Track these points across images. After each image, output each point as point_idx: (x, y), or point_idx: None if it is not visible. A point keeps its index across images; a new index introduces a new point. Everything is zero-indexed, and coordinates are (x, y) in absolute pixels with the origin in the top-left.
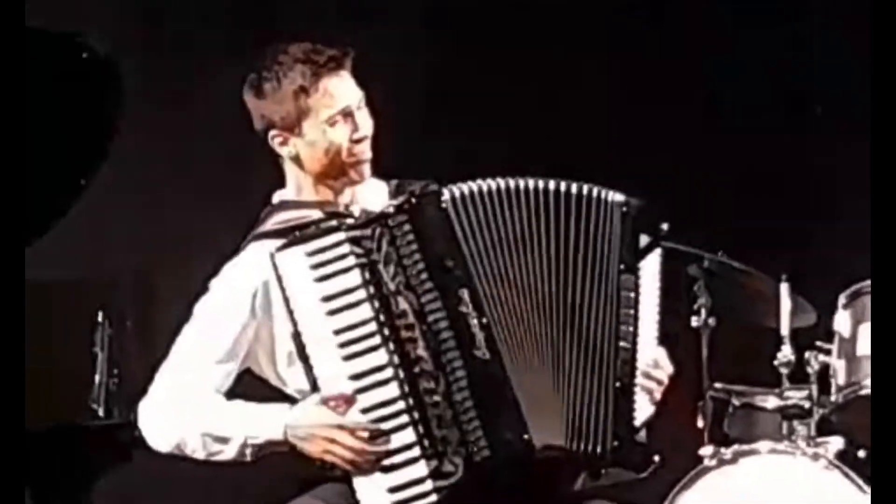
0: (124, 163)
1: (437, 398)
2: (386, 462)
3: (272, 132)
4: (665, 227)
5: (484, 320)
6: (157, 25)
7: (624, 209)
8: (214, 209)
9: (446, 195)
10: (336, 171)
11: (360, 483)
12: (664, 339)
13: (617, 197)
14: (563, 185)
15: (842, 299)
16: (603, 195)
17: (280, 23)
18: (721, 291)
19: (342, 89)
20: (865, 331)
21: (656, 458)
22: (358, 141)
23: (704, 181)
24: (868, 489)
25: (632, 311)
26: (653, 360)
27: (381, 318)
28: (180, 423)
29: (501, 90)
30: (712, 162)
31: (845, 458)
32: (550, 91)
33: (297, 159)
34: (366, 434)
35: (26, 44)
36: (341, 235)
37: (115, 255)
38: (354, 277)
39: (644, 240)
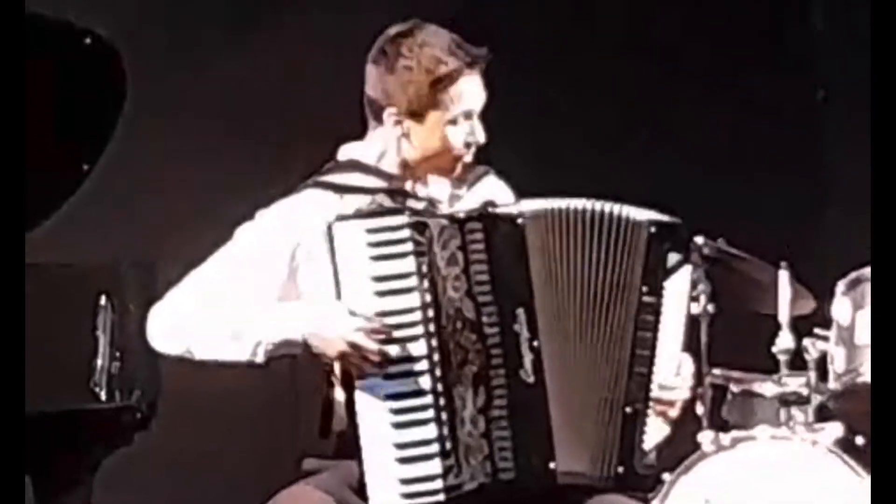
0: (128, 147)
1: (472, 408)
2: (402, 454)
3: (391, 110)
4: (700, 240)
5: (535, 343)
6: (159, 6)
7: (652, 230)
8: (219, 194)
9: (522, 211)
10: (435, 164)
11: (370, 469)
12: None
13: (643, 216)
14: (590, 205)
15: (840, 287)
16: (628, 215)
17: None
18: (720, 278)
19: (474, 91)
20: (864, 318)
21: (665, 475)
22: (469, 144)
23: (705, 168)
24: (866, 475)
25: (649, 335)
26: (671, 379)
27: (429, 311)
28: (194, 322)
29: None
30: (712, 148)
31: (843, 444)
32: (561, 73)
33: (405, 137)
34: (382, 336)
35: (29, 30)
36: (404, 219)
37: (118, 240)
38: (409, 264)
39: (674, 257)
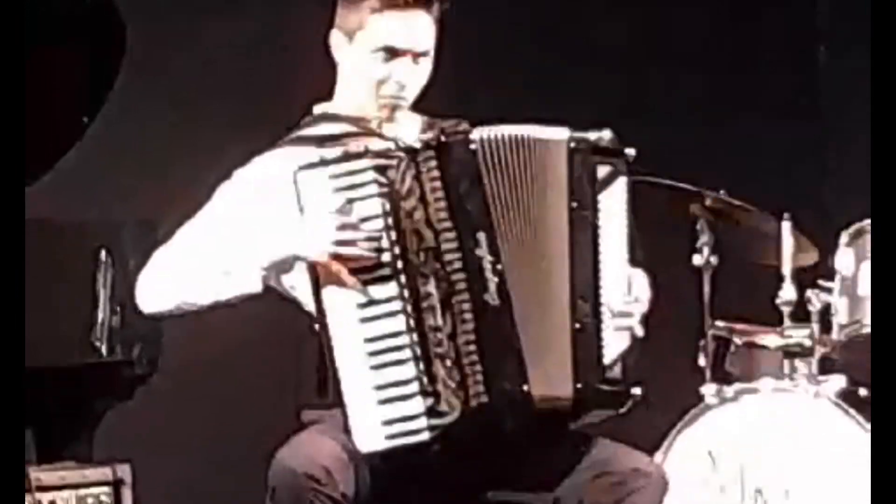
0: (129, 104)
1: (441, 337)
2: (382, 395)
3: (334, 30)
4: (631, 152)
5: (499, 266)
6: None
7: (572, 145)
8: (219, 151)
9: (475, 136)
10: (369, 101)
11: (353, 413)
12: (650, 272)
13: (559, 135)
14: (517, 130)
15: (843, 238)
16: (546, 135)
17: None
18: (723, 230)
19: (404, 28)
20: (867, 270)
21: (636, 390)
22: (401, 86)
23: (707, 120)
24: (869, 427)
25: (589, 250)
26: (624, 290)
27: (396, 249)
28: (182, 274)
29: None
30: (715, 101)
31: (846, 396)
32: (572, 38)
33: (344, 70)
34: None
35: None
36: (367, 162)
37: (118, 196)
38: (375, 206)
39: (604, 170)
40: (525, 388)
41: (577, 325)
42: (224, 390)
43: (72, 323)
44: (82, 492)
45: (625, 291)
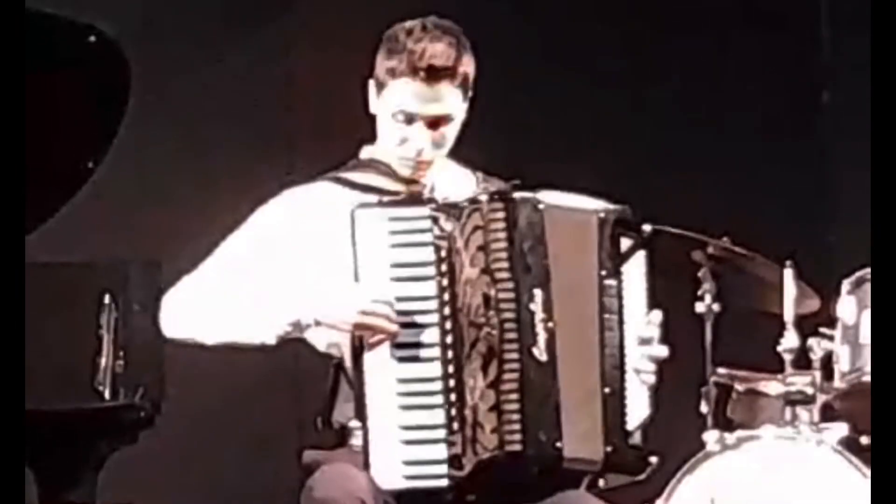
0: (133, 146)
1: (480, 386)
2: (408, 436)
3: (371, 79)
4: (648, 228)
5: (550, 324)
6: (163, 6)
7: (601, 215)
8: (223, 192)
9: (541, 199)
10: (393, 154)
11: (376, 449)
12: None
13: (591, 205)
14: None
15: (845, 286)
16: (579, 205)
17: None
18: (725, 277)
19: (421, 95)
20: (869, 317)
21: (653, 459)
22: (415, 150)
23: (709, 166)
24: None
25: (616, 317)
26: (641, 358)
27: (444, 297)
28: (208, 306)
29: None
30: (716, 146)
31: (848, 444)
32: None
33: (377, 119)
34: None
35: (32, 28)
36: (426, 211)
37: (122, 238)
38: (428, 253)
39: (626, 242)
40: (559, 444)
41: (608, 390)
42: (228, 433)
43: (75, 367)
44: None
45: (642, 358)
